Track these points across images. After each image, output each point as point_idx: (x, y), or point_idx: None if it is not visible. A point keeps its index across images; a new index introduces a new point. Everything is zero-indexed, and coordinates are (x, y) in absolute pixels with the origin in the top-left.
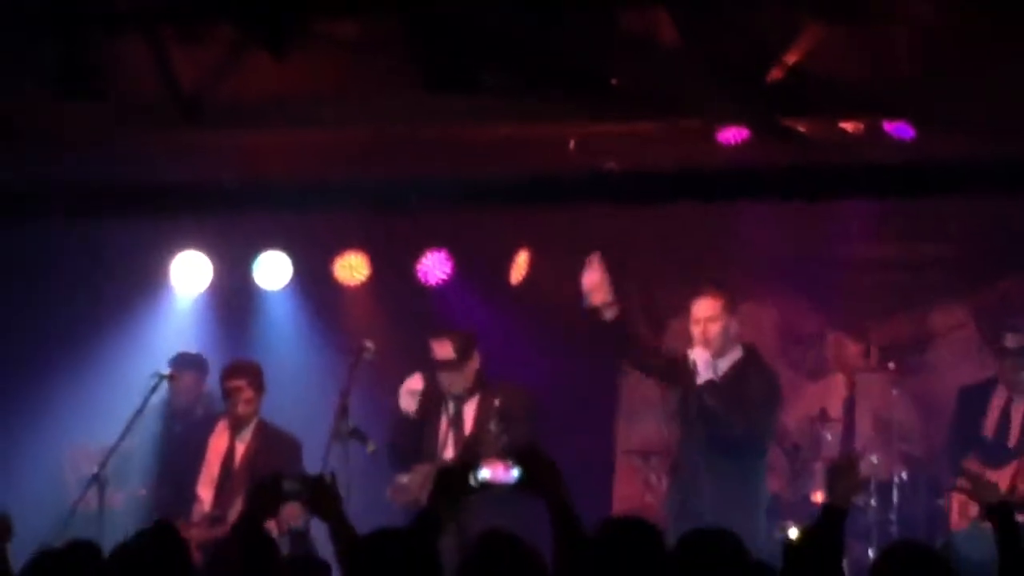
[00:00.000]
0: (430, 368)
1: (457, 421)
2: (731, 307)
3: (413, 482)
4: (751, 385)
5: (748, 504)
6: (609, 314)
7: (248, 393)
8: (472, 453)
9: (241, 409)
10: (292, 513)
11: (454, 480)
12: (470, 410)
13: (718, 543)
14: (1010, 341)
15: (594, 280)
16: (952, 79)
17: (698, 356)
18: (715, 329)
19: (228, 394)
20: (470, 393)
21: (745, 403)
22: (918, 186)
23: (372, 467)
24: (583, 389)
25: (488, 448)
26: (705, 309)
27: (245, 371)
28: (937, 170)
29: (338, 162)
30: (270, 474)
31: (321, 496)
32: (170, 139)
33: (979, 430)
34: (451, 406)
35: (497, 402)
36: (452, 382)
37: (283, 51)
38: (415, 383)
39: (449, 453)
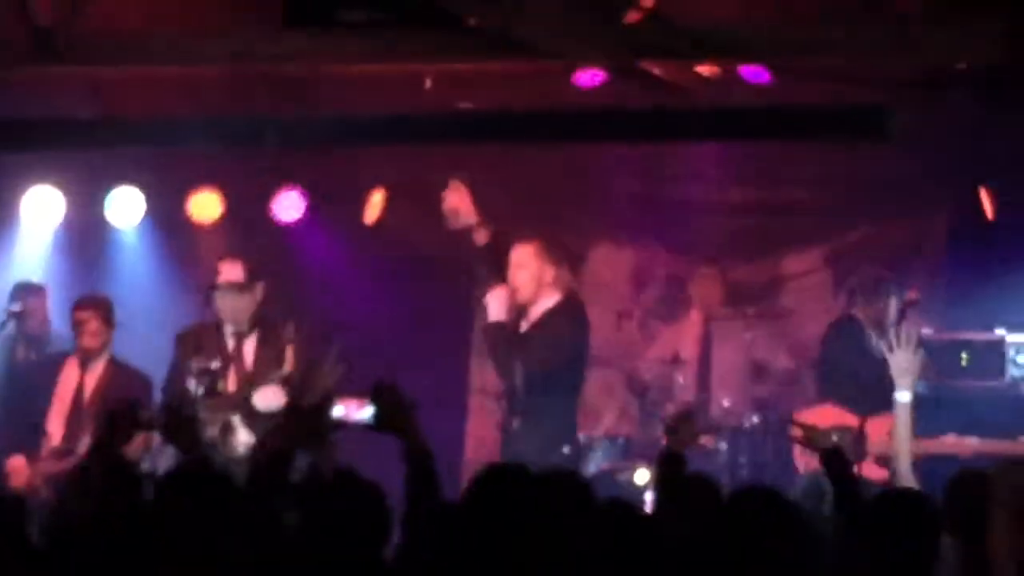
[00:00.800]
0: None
1: (237, 356)
2: (549, 255)
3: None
4: (557, 328)
5: (556, 440)
6: (481, 237)
7: (95, 324)
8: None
9: (87, 341)
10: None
11: (309, 419)
12: (251, 344)
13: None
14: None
15: (457, 201)
16: (809, 25)
17: (493, 297)
18: (524, 276)
19: (76, 326)
20: (251, 325)
21: (550, 347)
22: (773, 130)
23: None
24: (436, 329)
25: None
26: (518, 255)
27: (93, 303)
28: (793, 115)
29: (194, 99)
30: (126, 401)
31: (178, 426)
32: (24, 74)
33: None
34: (231, 340)
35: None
36: (236, 308)
37: None
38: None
39: (228, 388)
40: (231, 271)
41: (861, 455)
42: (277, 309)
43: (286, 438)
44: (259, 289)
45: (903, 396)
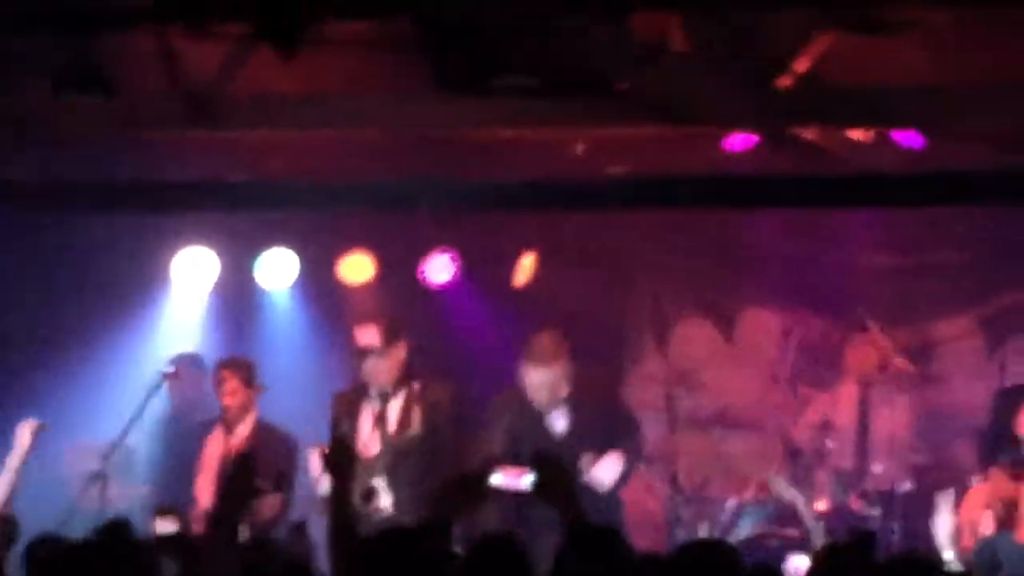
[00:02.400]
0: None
1: (382, 417)
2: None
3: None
4: None
5: None
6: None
7: (232, 384)
8: (395, 451)
9: (226, 401)
10: (270, 505)
11: (470, 485)
12: (395, 406)
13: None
14: None
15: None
16: (962, 89)
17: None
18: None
19: (216, 386)
20: (396, 387)
21: None
22: (925, 195)
23: None
24: (586, 393)
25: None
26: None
27: (233, 364)
28: (945, 179)
29: (346, 162)
30: (242, 462)
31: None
32: (178, 137)
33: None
34: (376, 402)
35: (424, 396)
36: (377, 371)
37: (293, 50)
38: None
39: (372, 452)
40: (365, 335)
41: None
42: (426, 371)
43: (446, 503)
44: (400, 350)
45: None
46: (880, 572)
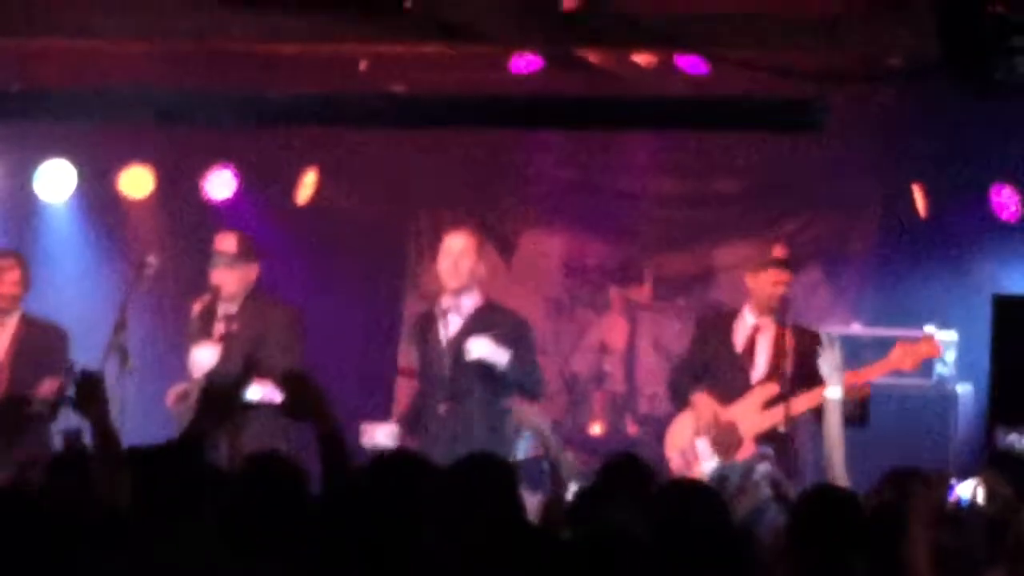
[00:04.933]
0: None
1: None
2: (481, 249)
3: (191, 390)
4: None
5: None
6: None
7: (15, 275)
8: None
9: (6, 289)
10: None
11: (222, 396)
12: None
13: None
14: (778, 251)
15: None
16: (744, 15)
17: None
18: (466, 265)
19: None
20: (240, 301)
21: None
22: (707, 121)
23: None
24: (367, 310)
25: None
26: (459, 244)
27: (15, 255)
28: (726, 106)
29: (125, 72)
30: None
31: (88, 394)
32: None
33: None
34: (220, 310)
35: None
36: (227, 281)
37: None
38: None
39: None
40: (224, 241)
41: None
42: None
43: (200, 416)
44: (253, 268)
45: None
46: (654, 497)
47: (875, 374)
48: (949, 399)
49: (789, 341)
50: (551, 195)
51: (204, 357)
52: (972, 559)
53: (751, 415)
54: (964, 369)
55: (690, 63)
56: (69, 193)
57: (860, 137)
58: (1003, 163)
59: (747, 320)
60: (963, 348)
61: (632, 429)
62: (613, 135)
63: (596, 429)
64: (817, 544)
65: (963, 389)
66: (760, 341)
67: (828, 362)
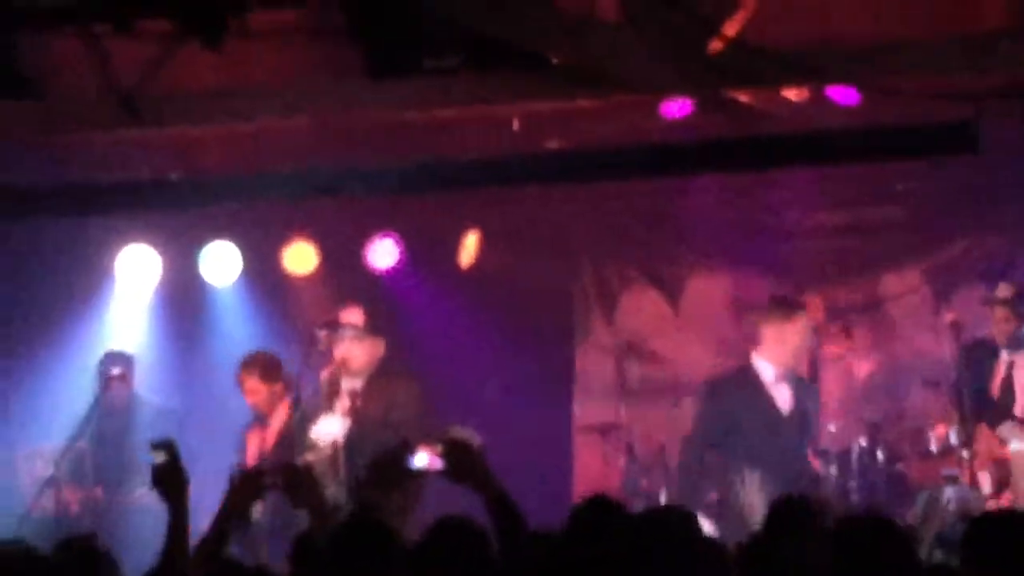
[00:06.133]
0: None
1: (354, 406)
2: None
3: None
4: None
5: None
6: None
7: (251, 383)
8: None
9: (248, 400)
10: None
11: (392, 462)
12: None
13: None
14: (1003, 291)
15: None
16: (894, 43)
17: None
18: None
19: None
20: (369, 377)
21: None
22: (863, 151)
23: None
24: (538, 368)
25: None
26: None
27: (246, 363)
28: (881, 135)
29: (280, 152)
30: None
31: (298, 483)
32: (110, 136)
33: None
34: (345, 385)
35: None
36: (353, 354)
37: (219, 42)
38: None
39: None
40: (350, 315)
41: None
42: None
43: (368, 485)
44: (380, 343)
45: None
46: (838, 531)
47: None
48: None
49: None
50: (713, 238)
51: (331, 428)
52: None
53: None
54: None
55: (841, 94)
56: (236, 275)
57: (1017, 153)
58: None
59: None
60: None
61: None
62: (770, 173)
63: None
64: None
65: None
66: (1017, 376)
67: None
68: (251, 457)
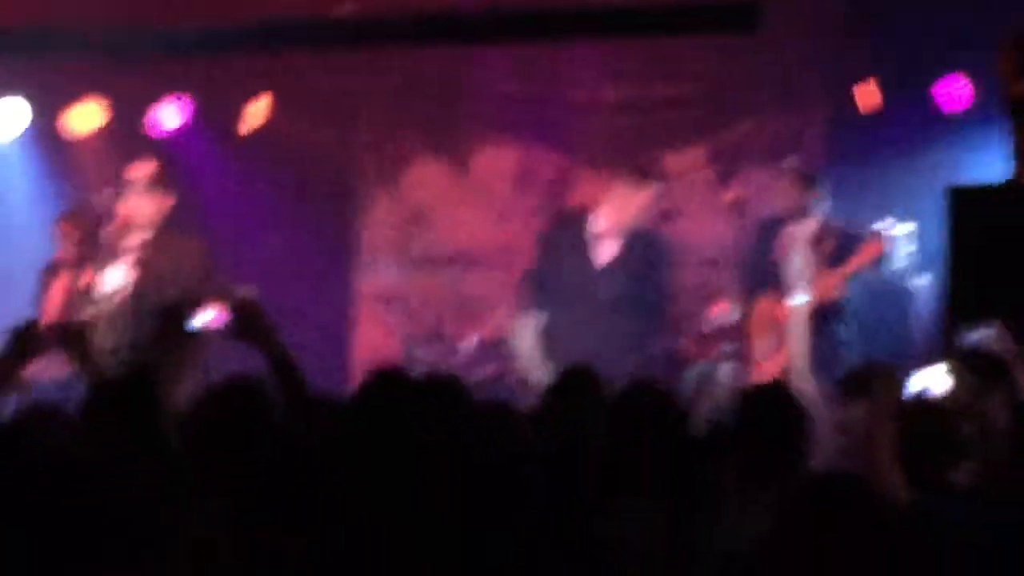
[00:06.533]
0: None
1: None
2: None
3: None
4: None
5: None
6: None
7: None
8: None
9: None
10: None
11: (175, 317)
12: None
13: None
14: (789, 162)
15: None
16: None
17: None
18: None
19: None
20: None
21: None
22: (649, 27)
23: None
24: (322, 235)
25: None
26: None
27: None
28: (668, 11)
29: (77, 7)
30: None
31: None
32: None
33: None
34: (132, 238)
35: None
36: (140, 209)
37: None
38: None
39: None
40: (141, 168)
41: None
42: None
43: (150, 339)
44: (168, 198)
45: (800, 299)
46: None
47: (836, 279)
48: (908, 291)
49: None
50: (500, 110)
51: (115, 281)
52: (938, 449)
53: None
54: (922, 262)
55: None
56: (21, 130)
57: (805, 37)
58: (951, 55)
59: None
60: (920, 241)
61: None
62: (559, 47)
63: None
64: (761, 442)
65: (922, 281)
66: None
67: (795, 266)
68: (51, 309)
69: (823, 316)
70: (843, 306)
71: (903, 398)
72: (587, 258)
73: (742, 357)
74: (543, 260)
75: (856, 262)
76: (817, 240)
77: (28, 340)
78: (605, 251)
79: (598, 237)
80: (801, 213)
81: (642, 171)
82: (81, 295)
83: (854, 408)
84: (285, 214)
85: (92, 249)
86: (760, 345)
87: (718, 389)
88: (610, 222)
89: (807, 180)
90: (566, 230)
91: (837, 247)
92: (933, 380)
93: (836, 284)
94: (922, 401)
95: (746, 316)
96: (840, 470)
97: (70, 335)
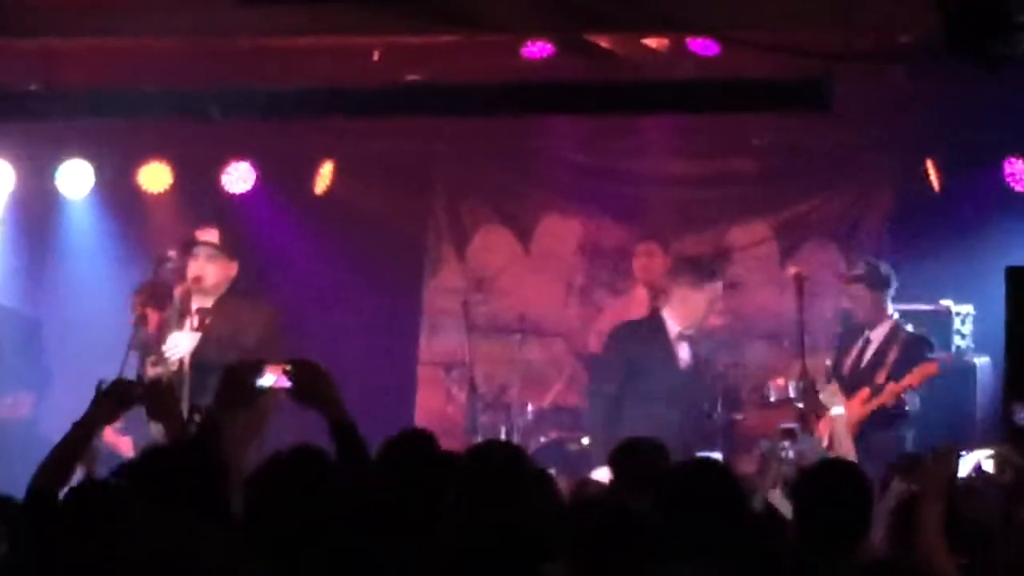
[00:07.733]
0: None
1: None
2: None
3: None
4: None
5: None
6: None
7: None
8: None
9: None
10: None
11: (239, 381)
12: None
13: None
14: (858, 269)
15: None
16: None
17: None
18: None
19: None
20: (219, 296)
21: None
22: (719, 102)
23: None
24: (387, 299)
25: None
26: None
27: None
28: (738, 87)
29: (142, 71)
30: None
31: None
32: None
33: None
34: (195, 303)
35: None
36: (206, 273)
37: None
38: None
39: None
40: (205, 233)
41: None
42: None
43: (217, 403)
44: (234, 264)
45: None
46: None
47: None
48: (968, 372)
49: None
50: (567, 180)
51: (180, 344)
52: (984, 529)
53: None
54: (981, 342)
55: (701, 45)
56: (88, 189)
57: (872, 115)
58: (1015, 136)
59: None
60: (979, 321)
61: None
62: (627, 119)
63: None
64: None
65: (981, 361)
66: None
67: (827, 390)
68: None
69: (887, 418)
70: (908, 410)
71: (952, 477)
72: (661, 359)
73: (806, 434)
74: (615, 352)
75: (909, 380)
76: (884, 348)
77: (118, 396)
78: (680, 353)
79: (673, 341)
80: (875, 318)
81: (707, 268)
82: (151, 357)
83: (901, 485)
84: (350, 278)
85: (164, 313)
86: (823, 431)
87: (785, 464)
88: (681, 325)
89: (880, 283)
90: (640, 330)
91: (901, 354)
92: (982, 461)
93: (896, 392)
94: (971, 480)
95: (804, 392)
96: (896, 556)
97: (156, 393)
